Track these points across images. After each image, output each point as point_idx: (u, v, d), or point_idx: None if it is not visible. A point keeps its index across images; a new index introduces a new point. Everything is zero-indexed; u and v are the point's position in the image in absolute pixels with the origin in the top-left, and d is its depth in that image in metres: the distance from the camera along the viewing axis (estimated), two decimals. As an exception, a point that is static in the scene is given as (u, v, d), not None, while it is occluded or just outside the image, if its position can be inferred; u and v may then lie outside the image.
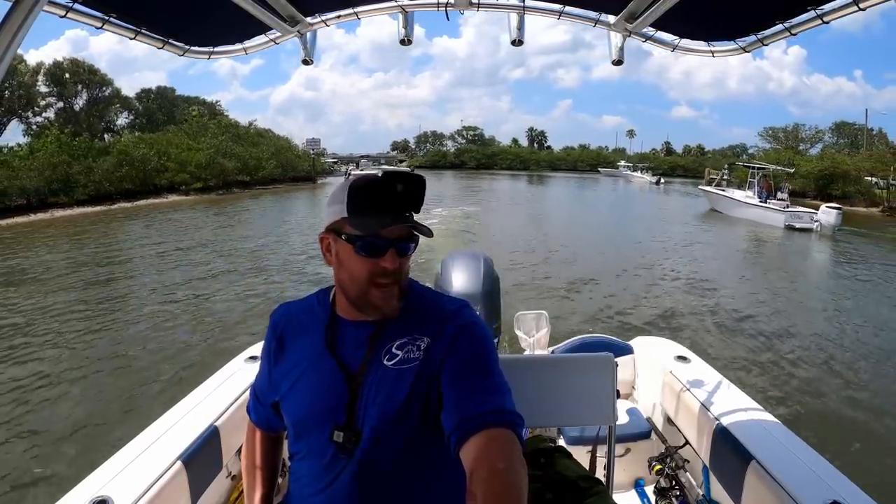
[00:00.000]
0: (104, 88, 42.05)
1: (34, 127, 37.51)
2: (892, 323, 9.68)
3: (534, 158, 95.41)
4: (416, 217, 1.15)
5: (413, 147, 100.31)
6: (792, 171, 33.14)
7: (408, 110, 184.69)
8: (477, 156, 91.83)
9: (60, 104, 39.57)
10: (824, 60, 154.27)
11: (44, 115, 39.65)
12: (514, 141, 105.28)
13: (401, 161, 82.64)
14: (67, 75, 38.86)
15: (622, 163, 77.17)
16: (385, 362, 1.14)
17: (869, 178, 36.41)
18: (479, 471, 0.93)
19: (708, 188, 32.73)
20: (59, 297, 11.04)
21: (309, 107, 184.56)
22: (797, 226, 22.56)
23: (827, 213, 22.19)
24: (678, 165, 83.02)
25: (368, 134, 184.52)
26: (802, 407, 6.42)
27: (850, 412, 6.47)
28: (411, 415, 1.12)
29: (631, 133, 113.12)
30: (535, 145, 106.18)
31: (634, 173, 65.14)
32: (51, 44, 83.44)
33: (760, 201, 25.73)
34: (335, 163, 62.94)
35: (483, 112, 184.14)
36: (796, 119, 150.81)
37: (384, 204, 1.11)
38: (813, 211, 23.46)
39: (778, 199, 25.27)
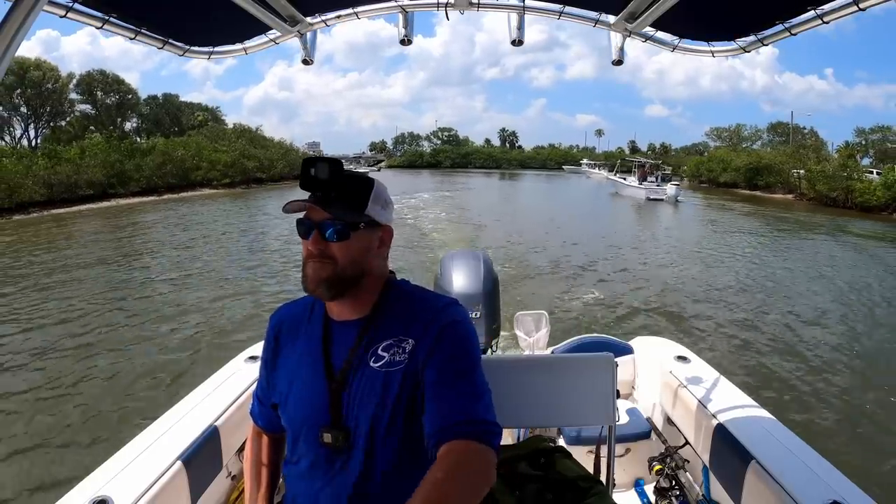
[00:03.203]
0: (129, 96, 46.89)
1: (57, 131, 40.63)
2: (689, 235, 20.06)
3: (505, 157, 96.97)
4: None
5: (391, 147, 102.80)
6: (660, 162, 49.73)
7: (382, 110, 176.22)
8: (452, 155, 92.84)
9: (92, 111, 43.55)
10: (796, 59, 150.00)
11: (66, 120, 42.90)
12: (487, 141, 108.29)
13: (379, 161, 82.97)
14: (98, 84, 43.51)
15: (585, 160, 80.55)
16: (371, 364, 1.13)
17: (795, 171, 39.79)
18: (434, 475, 0.94)
19: (610, 176, 45.61)
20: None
21: (282, 107, 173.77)
22: (652, 197, 34.11)
23: (671, 188, 34.49)
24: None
25: (343, 134, 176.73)
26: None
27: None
28: (399, 416, 1.10)
29: (599, 132, 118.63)
30: (507, 145, 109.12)
31: (593, 170, 69.36)
32: (22, 45, 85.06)
33: (638, 184, 37.59)
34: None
35: (457, 111, 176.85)
36: (769, 116, 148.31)
37: (305, 187, 1.14)
38: (665, 187, 35.37)
39: (648, 182, 37.58)
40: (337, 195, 1.13)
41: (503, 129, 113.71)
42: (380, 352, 1.13)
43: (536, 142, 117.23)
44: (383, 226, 1.20)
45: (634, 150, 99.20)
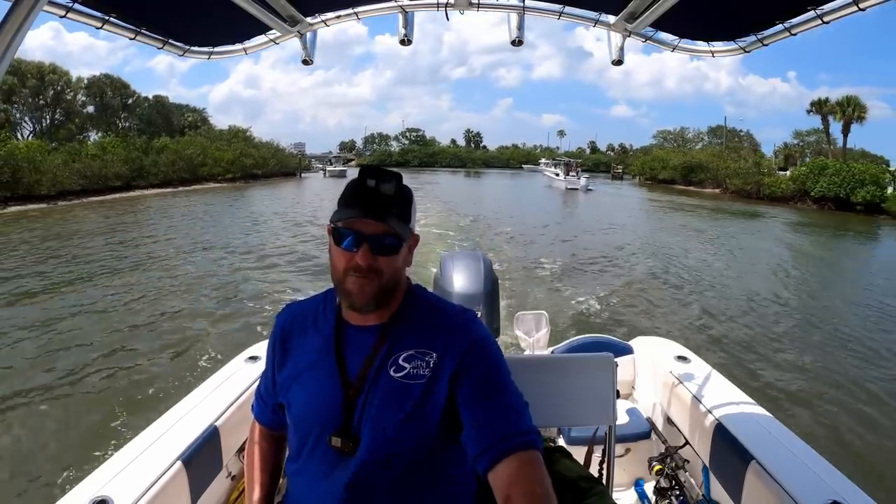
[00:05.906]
0: (131, 100, 49.33)
1: (60, 130, 41.96)
2: (595, 211, 29.18)
3: (470, 157, 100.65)
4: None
5: (360, 147, 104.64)
6: (580, 160, 63.20)
7: (348, 109, 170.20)
8: (419, 155, 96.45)
9: (94, 112, 45.51)
10: (759, 62, 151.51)
11: (71, 120, 44.24)
12: (453, 141, 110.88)
13: (349, 160, 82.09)
14: (108, 89, 45.69)
15: (543, 160, 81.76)
16: (392, 374, 1.09)
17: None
18: (517, 497, 0.95)
19: (546, 171, 55.64)
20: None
21: (248, 105, 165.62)
22: (570, 187, 43.98)
23: (583, 180, 44.74)
24: (601, 162, 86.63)
25: (308, 133, 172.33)
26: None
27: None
28: (414, 429, 1.07)
29: (561, 133, 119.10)
30: (472, 145, 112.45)
31: (548, 169, 70.87)
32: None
33: (563, 176, 48.08)
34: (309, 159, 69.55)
35: (424, 111, 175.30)
36: (730, 118, 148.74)
37: (357, 198, 1.08)
38: (581, 179, 45.04)
39: (571, 175, 48.06)
40: (395, 209, 1.09)
41: (468, 130, 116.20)
42: (401, 362, 1.10)
43: (503, 141, 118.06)
44: (414, 234, 1.16)
45: (594, 150, 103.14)
